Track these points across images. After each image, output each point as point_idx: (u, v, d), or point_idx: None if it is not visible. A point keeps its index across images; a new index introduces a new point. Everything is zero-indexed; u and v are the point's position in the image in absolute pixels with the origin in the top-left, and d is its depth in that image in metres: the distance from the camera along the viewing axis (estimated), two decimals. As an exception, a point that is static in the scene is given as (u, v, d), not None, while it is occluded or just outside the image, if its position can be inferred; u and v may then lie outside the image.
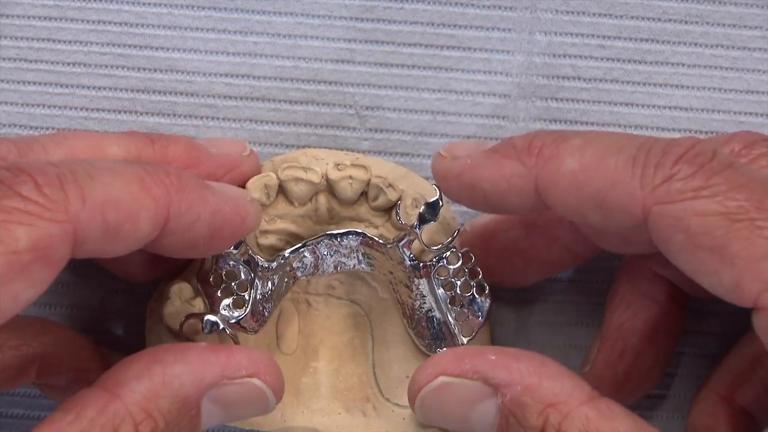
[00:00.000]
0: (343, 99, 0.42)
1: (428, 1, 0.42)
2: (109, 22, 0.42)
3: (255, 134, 0.42)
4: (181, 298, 0.37)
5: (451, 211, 0.39)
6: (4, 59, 0.42)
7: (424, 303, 0.38)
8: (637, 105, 0.42)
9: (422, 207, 0.37)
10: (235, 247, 0.37)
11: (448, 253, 0.37)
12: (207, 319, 0.36)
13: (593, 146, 0.32)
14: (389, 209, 0.38)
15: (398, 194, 0.38)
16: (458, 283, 0.38)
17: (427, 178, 0.42)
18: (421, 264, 0.38)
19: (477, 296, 0.38)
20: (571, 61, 0.42)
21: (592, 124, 0.42)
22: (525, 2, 0.42)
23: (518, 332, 0.42)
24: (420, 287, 0.38)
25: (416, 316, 0.38)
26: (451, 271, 0.38)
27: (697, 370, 0.41)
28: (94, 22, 0.42)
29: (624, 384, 0.38)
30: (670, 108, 0.42)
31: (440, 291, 0.38)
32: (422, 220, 0.37)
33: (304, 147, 0.42)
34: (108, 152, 0.34)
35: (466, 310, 0.38)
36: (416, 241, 0.37)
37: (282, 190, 0.38)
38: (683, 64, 0.42)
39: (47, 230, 0.29)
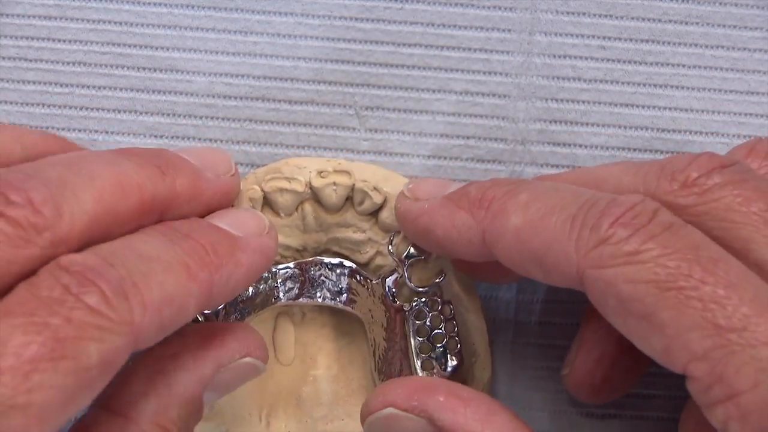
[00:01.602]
0: (343, 99, 0.42)
1: (428, 1, 0.42)
2: (109, 22, 0.42)
3: (254, 134, 0.42)
4: None
5: None
6: (3, 58, 0.42)
7: (396, 345, 0.38)
8: (637, 106, 0.42)
9: (411, 245, 0.37)
10: None
11: (430, 299, 0.38)
12: None
13: (538, 203, 0.32)
14: (376, 212, 0.38)
15: (383, 196, 0.38)
16: (434, 332, 0.38)
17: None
18: (402, 305, 0.38)
19: (448, 351, 0.38)
20: (572, 62, 0.42)
21: (593, 124, 0.42)
22: (525, 3, 0.42)
23: (516, 334, 0.42)
24: (396, 328, 0.38)
25: (387, 356, 0.38)
26: (429, 318, 0.38)
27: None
28: (94, 21, 0.42)
29: (601, 387, 0.38)
30: (670, 109, 0.42)
31: (414, 335, 0.38)
32: (410, 256, 0.37)
33: (303, 147, 0.42)
34: (131, 195, 0.33)
35: (434, 361, 0.38)
36: (400, 280, 0.38)
37: (267, 202, 0.38)
38: (684, 65, 0.42)
39: (114, 344, 0.28)
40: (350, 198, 0.38)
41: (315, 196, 0.38)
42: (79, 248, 0.30)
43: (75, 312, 0.28)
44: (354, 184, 0.38)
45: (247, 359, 0.34)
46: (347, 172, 0.38)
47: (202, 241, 0.32)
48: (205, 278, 0.31)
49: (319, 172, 0.38)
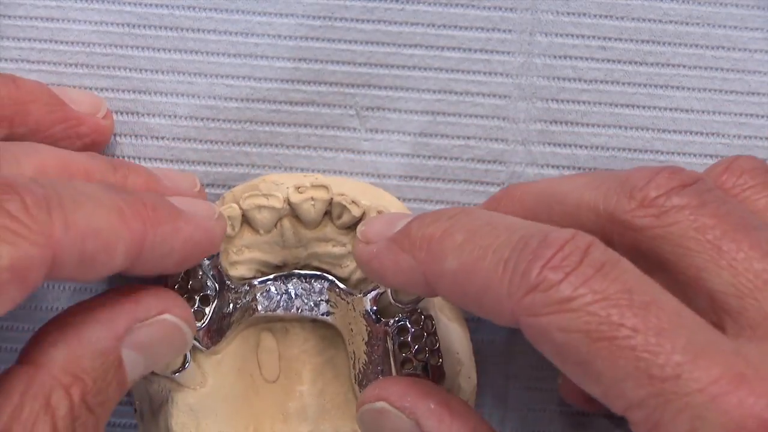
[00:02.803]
0: (344, 100, 0.42)
1: (429, 2, 0.42)
2: (111, 23, 0.42)
3: (255, 135, 0.42)
4: None
5: None
6: (6, 60, 0.42)
7: (377, 358, 0.38)
8: (638, 106, 0.42)
9: None
10: (208, 258, 0.37)
11: (413, 314, 0.38)
12: None
13: (472, 244, 0.32)
14: (354, 226, 0.38)
15: (362, 210, 0.38)
16: (416, 346, 0.38)
17: (427, 179, 0.42)
18: (384, 320, 0.38)
19: (429, 366, 0.38)
20: (572, 63, 0.42)
21: (593, 125, 0.42)
22: (525, 3, 0.42)
23: (513, 333, 0.42)
24: (377, 343, 0.38)
25: (367, 370, 0.38)
26: (411, 333, 0.38)
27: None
28: (95, 23, 0.42)
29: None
30: (671, 109, 0.42)
31: (396, 350, 0.38)
32: None
33: (304, 147, 0.42)
34: (74, 171, 0.34)
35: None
36: (382, 296, 0.38)
37: (246, 219, 0.38)
38: (684, 66, 0.42)
39: (28, 252, 0.29)
40: (329, 212, 0.38)
41: (293, 211, 0.38)
42: None
43: None
44: (332, 198, 0.38)
45: (166, 316, 0.34)
46: (325, 187, 0.38)
47: (144, 199, 0.33)
48: (138, 228, 0.32)
49: (297, 188, 0.38)
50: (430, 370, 0.38)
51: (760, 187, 0.34)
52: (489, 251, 0.31)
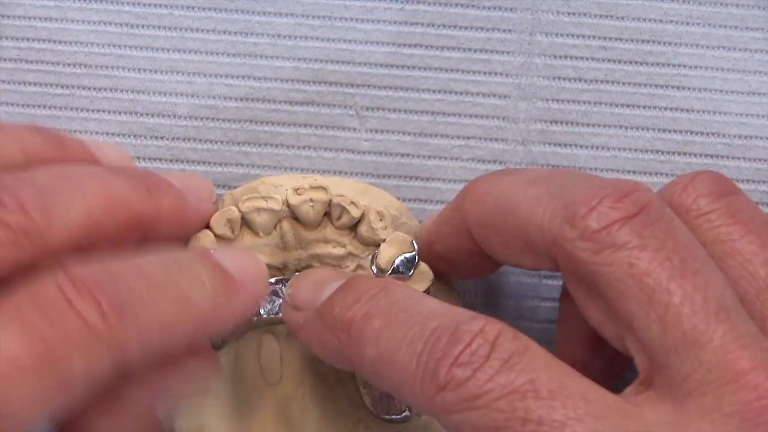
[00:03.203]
0: (344, 100, 0.42)
1: (428, 2, 0.42)
2: (110, 23, 0.42)
3: (255, 135, 0.42)
4: None
5: (423, 264, 0.38)
6: (4, 60, 0.42)
7: None
8: (638, 106, 0.42)
9: (398, 259, 0.37)
10: None
11: None
12: None
13: (388, 333, 0.32)
14: (354, 226, 0.38)
15: (361, 210, 0.38)
16: None
17: (427, 179, 0.42)
18: None
19: None
20: (572, 63, 0.42)
21: (594, 125, 0.42)
22: (526, 3, 0.42)
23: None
24: None
25: None
26: None
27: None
28: (94, 22, 0.42)
29: None
30: (671, 109, 0.42)
31: None
32: (396, 272, 0.37)
33: (304, 147, 0.42)
34: (118, 211, 0.33)
35: None
36: None
37: (245, 222, 0.38)
38: (685, 66, 0.42)
39: (102, 361, 0.29)
40: (328, 213, 0.38)
41: (292, 213, 0.38)
42: (68, 256, 0.30)
43: (71, 323, 0.28)
44: (331, 200, 0.38)
45: None
46: (323, 188, 0.38)
47: (204, 277, 0.32)
48: (201, 318, 0.32)
49: (296, 190, 0.38)
50: None
51: (714, 215, 0.33)
52: (403, 344, 0.31)
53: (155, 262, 0.32)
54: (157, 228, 0.34)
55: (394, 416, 0.38)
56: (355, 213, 0.38)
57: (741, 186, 0.41)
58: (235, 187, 0.41)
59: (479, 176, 0.36)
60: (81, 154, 0.36)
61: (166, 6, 0.42)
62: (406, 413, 0.38)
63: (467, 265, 0.37)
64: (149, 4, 0.42)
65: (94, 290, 0.29)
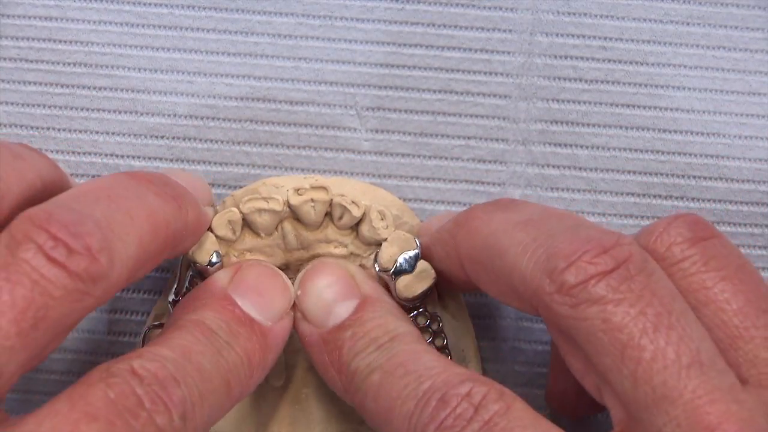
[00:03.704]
0: (344, 99, 0.42)
1: (429, 2, 0.42)
2: (110, 23, 0.42)
3: (255, 134, 0.42)
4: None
5: (425, 262, 0.38)
6: (4, 59, 0.42)
7: None
8: (638, 106, 0.42)
9: (400, 258, 0.37)
10: (211, 264, 0.37)
11: (418, 313, 0.38)
12: None
13: (386, 389, 0.33)
14: (355, 226, 0.38)
15: (362, 210, 0.38)
16: None
17: (427, 179, 0.42)
18: None
19: None
20: (573, 63, 0.42)
21: (594, 125, 0.42)
22: (526, 3, 0.42)
23: (519, 329, 0.42)
24: None
25: None
26: None
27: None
28: (94, 22, 0.42)
29: (577, 405, 0.39)
30: (671, 110, 0.42)
31: None
32: (398, 271, 0.37)
33: (304, 147, 0.42)
34: (161, 233, 0.34)
35: None
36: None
37: (246, 223, 0.38)
38: (685, 66, 0.42)
39: None
40: (329, 214, 0.38)
41: (294, 214, 0.38)
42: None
43: (146, 428, 0.29)
44: (332, 200, 0.38)
45: None
46: (324, 188, 0.38)
47: (240, 351, 0.34)
48: (238, 392, 0.34)
49: (296, 190, 0.38)
50: None
51: (687, 263, 0.33)
52: (398, 403, 0.32)
53: (201, 346, 0.33)
54: (183, 239, 0.35)
55: None
56: (357, 213, 0.38)
57: (741, 186, 0.41)
58: (235, 187, 0.41)
59: (478, 204, 0.36)
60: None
61: (166, 5, 0.42)
62: None
63: (459, 284, 0.38)
64: (149, 4, 0.42)
65: (161, 394, 0.30)
